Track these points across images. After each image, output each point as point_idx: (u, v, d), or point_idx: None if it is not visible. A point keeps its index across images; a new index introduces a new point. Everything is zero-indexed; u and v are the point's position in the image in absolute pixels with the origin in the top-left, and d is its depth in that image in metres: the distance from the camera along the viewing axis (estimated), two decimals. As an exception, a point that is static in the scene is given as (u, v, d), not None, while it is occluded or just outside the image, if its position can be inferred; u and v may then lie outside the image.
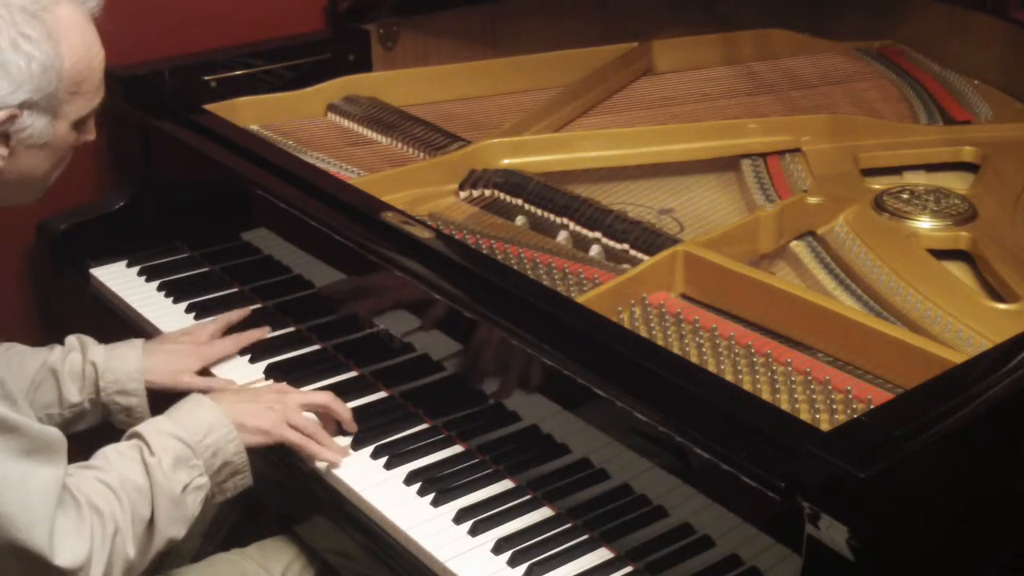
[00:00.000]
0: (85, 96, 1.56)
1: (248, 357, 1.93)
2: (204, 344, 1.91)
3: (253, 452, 1.65)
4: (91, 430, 1.81)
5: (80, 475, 1.47)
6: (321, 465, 1.68)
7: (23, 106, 1.48)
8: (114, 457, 1.53)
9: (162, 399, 1.81)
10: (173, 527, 1.54)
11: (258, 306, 2.09)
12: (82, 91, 1.55)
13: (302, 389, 1.80)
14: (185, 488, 1.55)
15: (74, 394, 1.81)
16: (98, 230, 2.28)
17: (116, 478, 1.49)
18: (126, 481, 1.50)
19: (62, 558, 1.39)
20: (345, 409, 1.74)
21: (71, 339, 1.86)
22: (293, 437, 1.68)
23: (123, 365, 1.82)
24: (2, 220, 2.25)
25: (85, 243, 2.26)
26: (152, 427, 1.59)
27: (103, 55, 1.59)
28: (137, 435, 1.58)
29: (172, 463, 1.55)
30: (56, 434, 1.45)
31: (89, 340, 1.86)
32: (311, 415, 1.73)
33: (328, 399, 1.74)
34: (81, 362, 1.82)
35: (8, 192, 1.57)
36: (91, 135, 1.64)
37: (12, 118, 1.48)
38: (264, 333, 1.97)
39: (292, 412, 1.69)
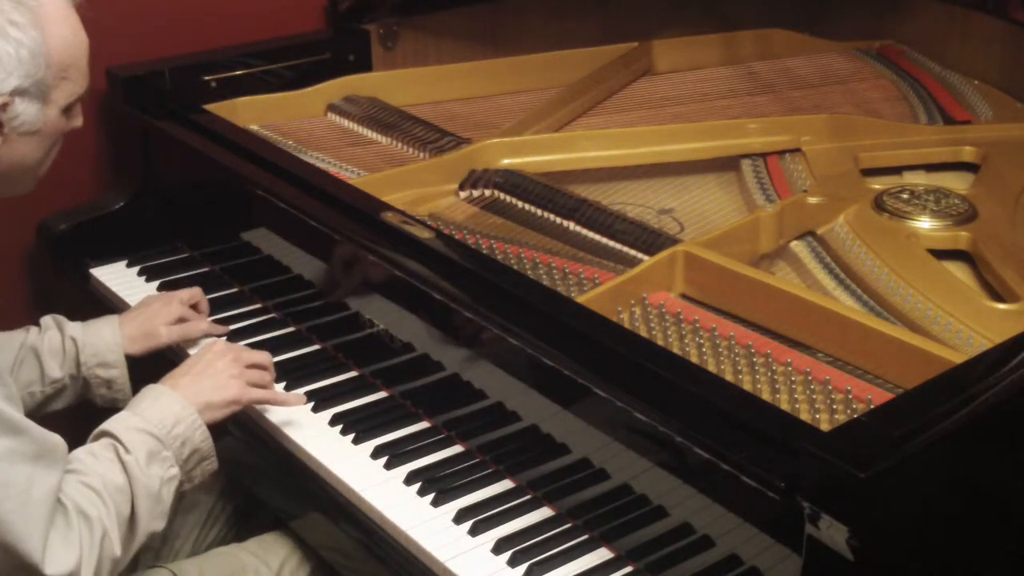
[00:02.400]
0: (73, 81, 1.59)
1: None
2: (173, 299, 1.96)
3: (251, 451, 1.65)
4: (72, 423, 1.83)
5: (64, 480, 1.47)
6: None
7: (15, 93, 1.50)
8: (90, 460, 1.52)
9: (142, 366, 1.88)
10: (154, 522, 1.55)
11: (258, 306, 2.09)
12: (70, 76, 1.58)
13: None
14: (161, 482, 1.56)
15: (55, 370, 1.84)
16: (98, 230, 2.28)
17: (98, 480, 1.49)
18: (108, 482, 1.50)
19: (52, 568, 1.39)
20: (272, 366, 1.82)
21: (46, 319, 1.90)
22: (258, 395, 1.74)
23: (101, 339, 1.86)
24: (2, 220, 2.25)
25: (85, 243, 2.26)
26: (121, 424, 1.58)
27: (86, 41, 1.62)
28: (107, 434, 1.57)
29: (146, 459, 1.55)
30: (59, 440, 1.46)
31: (63, 318, 1.90)
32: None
33: (266, 358, 1.79)
34: (60, 339, 1.85)
35: (3, 182, 1.58)
36: (79, 121, 1.66)
37: (4, 106, 1.50)
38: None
39: (248, 373, 1.73)
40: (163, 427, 1.59)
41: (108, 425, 1.59)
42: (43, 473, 1.41)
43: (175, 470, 1.59)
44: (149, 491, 1.54)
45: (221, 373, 1.70)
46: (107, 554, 1.47)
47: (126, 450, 1.54)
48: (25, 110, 1.52)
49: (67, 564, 1.41)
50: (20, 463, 1.38)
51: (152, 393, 1.65)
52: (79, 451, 1.54)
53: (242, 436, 1.81)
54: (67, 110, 1.61)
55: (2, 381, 1.40)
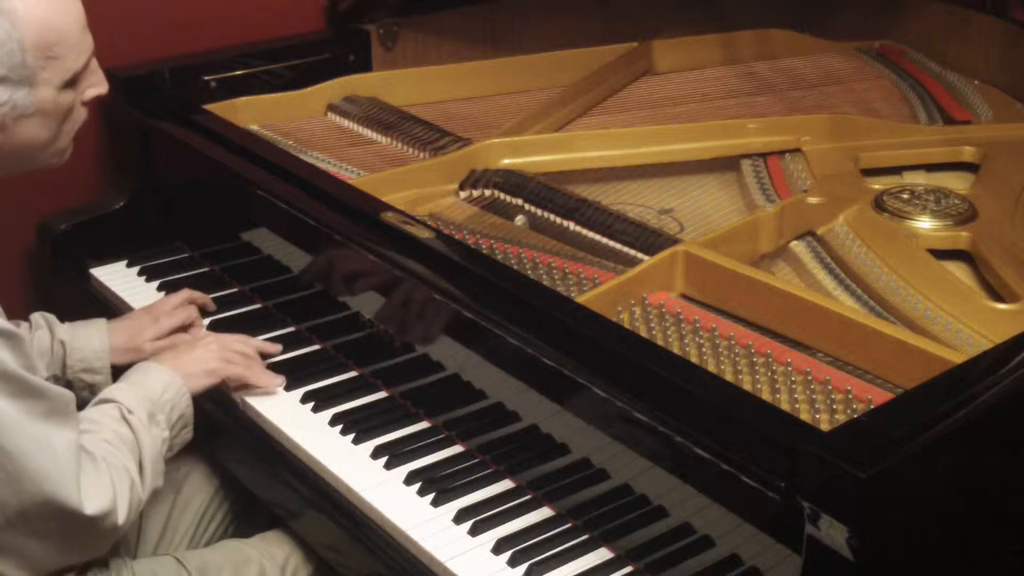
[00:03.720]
0: (63, 58, 1.56)
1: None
2: (161, 315, 1.97)
3: (250, 450, 1.66)
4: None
5: (81, 437, 1.53)
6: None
7: None
8: (101, 418, 1.62)
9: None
10: (157, 478, 1.64)
11: (258, 306, 2.09)
12: (57, 54, 1.55)
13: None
14: (161, 441, 1.66)
15: (40, 370, 1.85)
16: (98, 230, 2.28)
17: (112, 435, 1.59)
18: (122, 437, 1.60)
19: (91, 507, 1.49)
20: (265, 345, 1.90)
21: (36, 317, 1.92)
22: (236, 370, 1.80)
23: (89, 344, 1.89)
24: (2, 220, 2.25)
25: (85, 243, 2.26)
26: (120, 391, 1.67)
27: (77, 12, 1.58)
28: (108, 400, 1.65)
29: (147, 419, 1.64)
30: (69, 395, 1.52)
31: (53, 318, 1.92)
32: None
33: (251, 348, 1.86)
34: (49, 340, 1.88)
35: (20, 162, 1.60)
36: (98, 88, 1.65)
37: None
38: (209, 304, 2.06)
39: (228, 353, 1.81)
40: (155, 392, 1.68)
41: (107, 393, 1.68)
42: (62, 426, 1.48)
43: (166, 433, 1.67)
44: (152, 447, 1.63)
45: (201, 350, 1.79)
46: (135, 497, 1.57)
47: (129, 411, 1.63)
48: (11, 97, 1.52)
49: (103, 503, 1.50)
50: (41, 421, 1.45)
51: (140, 367, 1.75)
52: (87, 413, 1.63)
53: (241, 434, 1.81)
54: (70, 85, 1.59)
55: (22, 352, 1.45)
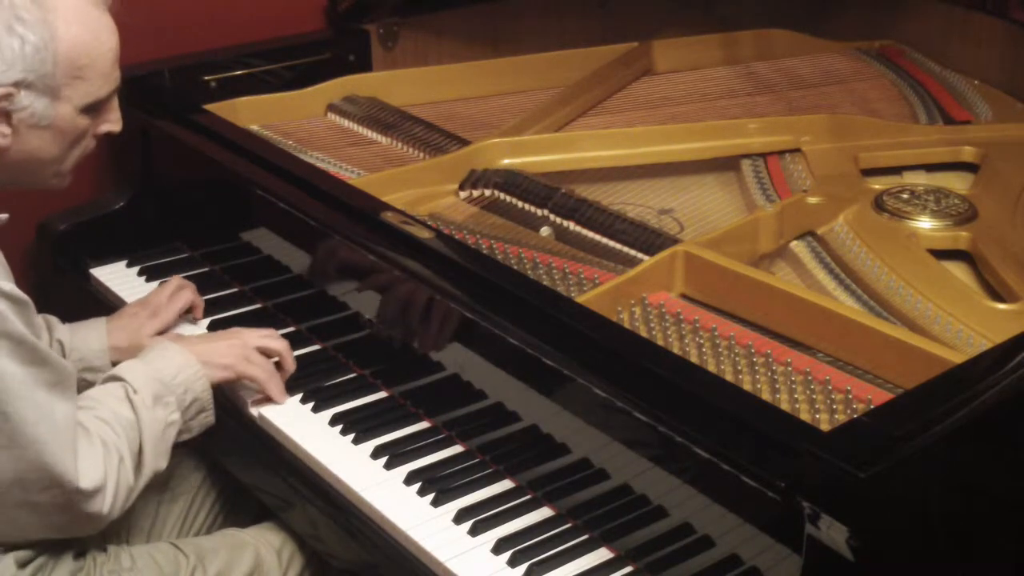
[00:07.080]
0: (90, 82, 1.61)
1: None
2: (160, 308, 1.96)
3: (248, 448, 1.66)
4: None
5: (79, 413, 1.55)
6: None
7: (18, 85, 1.53)
8: (102, 396, 1.63)
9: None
10: (158, 459, 1.66)
11: (258, 306, 2.09)
12: (85, 76, 1.60)
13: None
14: (164, 424, 1.66)
15: None
16: (98, 230, 2.28)
17: (110, 414, 1.60)
18: (119, 416, 1.61)
19: (85, 481, 1.51)
20: (291, 356, 1.83)
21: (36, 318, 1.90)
22: (254, 371, 1.78)
23: (88, 343, 1.90)
24: (2, 220, 2.25)
25: (85, 243, 2.26)
26: (129, 369, 1.69)
27: (112, 45, 1.65)
28: (116, 377, 1.67)
29: (152, 400, 1.65)
30: (72, 369, 1.55)
31: (54, 319, 1.92)
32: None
33: (282, 346, 1.82)
34: (48, 340, 1.88)
35: (22, 173, 1.62)
36: (111, 126, 1.70)
37: (9, 96, 1.53)
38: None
39: (250, 351, 1.79)
40: (167, 373, 1.69)
41: (117, 370, 1.70)
42: (63, 398, 1.51)
43: (177, 415, 1.68)
44: (154, 429, 1.64)
45: (223, 342, 1.79)
46: (124, 479, 1.58)
47: (134, 390, 1.64)
48: (32, 103, 1.55)
49: (96, 478, 1.53)
50: (44, 390, 1.48)
51: (159, 346, 1.76)
52: (91, 391, 1.65)
53: (239, 433, 1.81)
54: (89, 110, 1.63)
55: (31, 322, 1.49)
